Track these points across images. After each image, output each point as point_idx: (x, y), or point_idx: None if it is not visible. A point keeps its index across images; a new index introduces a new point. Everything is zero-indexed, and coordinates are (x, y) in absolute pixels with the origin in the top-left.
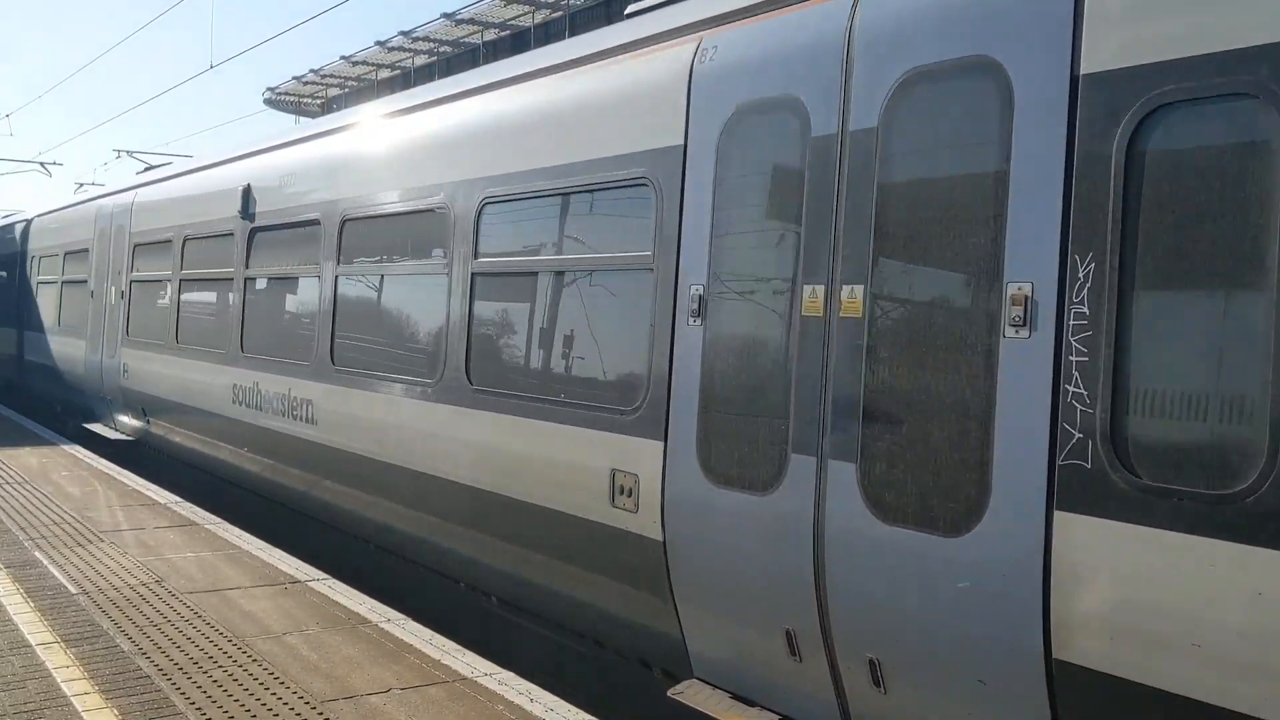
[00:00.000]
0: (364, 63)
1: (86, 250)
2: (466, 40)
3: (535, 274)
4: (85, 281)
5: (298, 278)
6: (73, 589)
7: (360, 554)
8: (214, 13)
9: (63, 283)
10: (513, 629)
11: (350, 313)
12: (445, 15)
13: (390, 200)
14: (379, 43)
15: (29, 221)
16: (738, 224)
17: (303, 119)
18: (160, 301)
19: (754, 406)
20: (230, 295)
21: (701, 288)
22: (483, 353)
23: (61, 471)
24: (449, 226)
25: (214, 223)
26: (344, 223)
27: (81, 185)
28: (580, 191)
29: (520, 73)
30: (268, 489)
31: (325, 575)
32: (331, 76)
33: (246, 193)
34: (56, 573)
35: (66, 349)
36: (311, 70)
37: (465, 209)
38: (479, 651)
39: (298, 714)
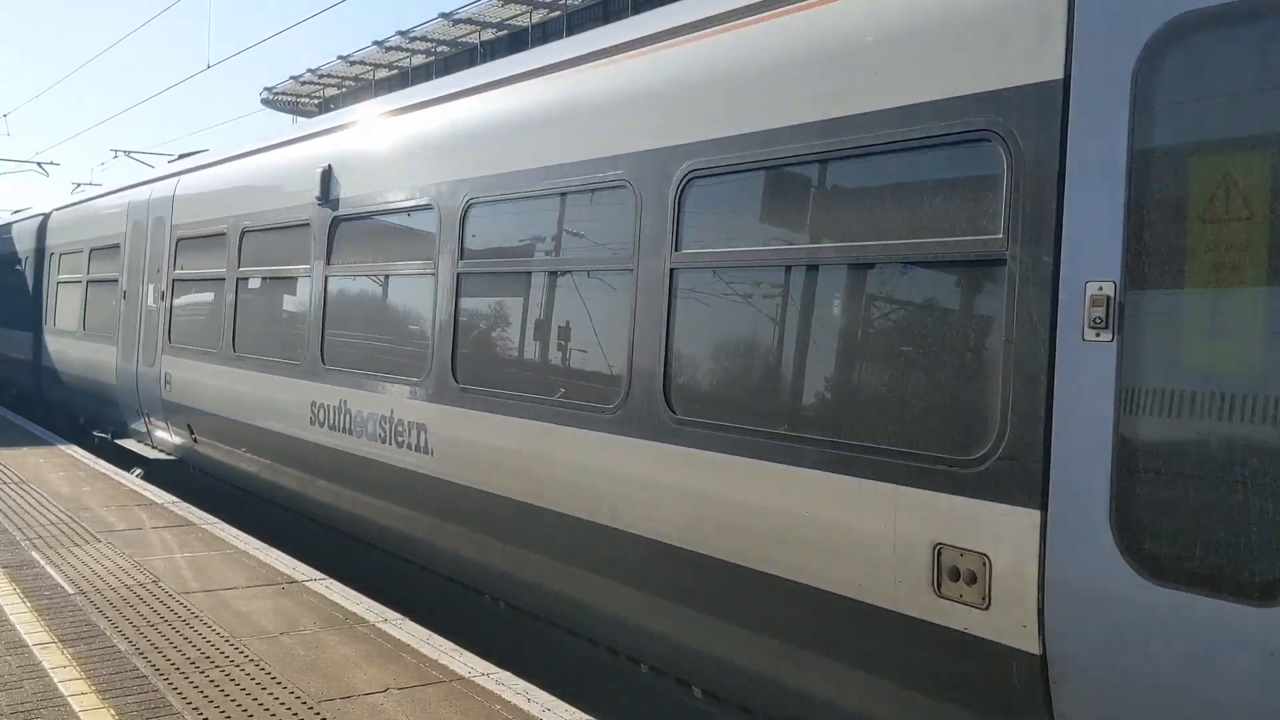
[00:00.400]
0: (361, 62)
1: (117, 246)
2: (464, 40)
3: (779, 268)
4: (115, 281)
5: (401, 275)
6: (70, 589)
7: (358, 555)
8: (212, 13)
9: (88, 282)
10: (511, 629)
11: (479, 319)
12: (443, 15)
13: (537, 179)
14: (376, 43)
15: (46, 216)
16: (1185, 191)
17: (300, 119)
18: (211, 303)
19: (1241, 470)
20: (307, 296)
21: (1112, 286)
22: (692, 374)
23: (59, 472)
24: (635, 209)
25: (283, 212)
26: (468, 207)
27: (79, 185)
28: (861, 155)
29: (754, 2)
30: (353, 525)
31: (322, 575)
32: (329, 76)
33: (327, 176)
34: (53, 572)
35: (93, 355)
36: (309, 70)
37: (658, 186)
38: (476, 651)
39: (294, 714)
